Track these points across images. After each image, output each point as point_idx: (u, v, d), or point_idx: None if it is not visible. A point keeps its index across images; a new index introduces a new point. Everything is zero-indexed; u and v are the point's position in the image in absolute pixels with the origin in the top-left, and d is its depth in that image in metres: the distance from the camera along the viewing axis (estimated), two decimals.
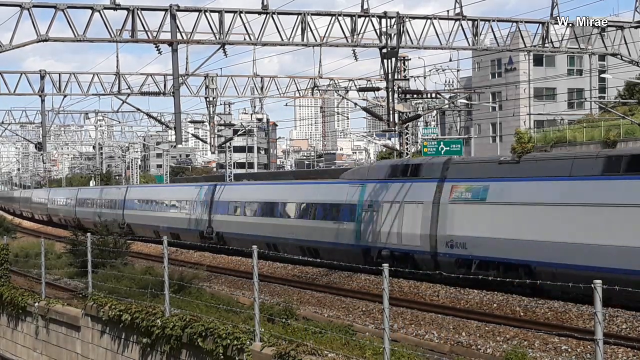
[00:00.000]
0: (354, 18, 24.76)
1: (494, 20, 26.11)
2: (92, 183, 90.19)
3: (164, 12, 24.07)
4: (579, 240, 20.63)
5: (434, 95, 45.36)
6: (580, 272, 19.42)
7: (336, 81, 41.18)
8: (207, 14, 24.27)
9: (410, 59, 39.23)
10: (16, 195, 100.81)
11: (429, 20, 25.36)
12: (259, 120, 76.77)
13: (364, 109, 37.12)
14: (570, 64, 73.93)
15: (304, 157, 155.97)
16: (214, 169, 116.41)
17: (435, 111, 62.05)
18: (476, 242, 23.60)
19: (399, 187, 27.25)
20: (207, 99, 40.49)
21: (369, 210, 28.33)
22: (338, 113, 68.28)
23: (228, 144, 53.68)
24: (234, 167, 58.98)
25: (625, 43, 26.62)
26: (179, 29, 24.22)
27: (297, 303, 21.34)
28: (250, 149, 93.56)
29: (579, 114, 68.83)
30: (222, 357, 13.97)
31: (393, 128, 26.89)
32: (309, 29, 24.58)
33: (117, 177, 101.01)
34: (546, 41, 26.15)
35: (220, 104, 52.14)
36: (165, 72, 38.13)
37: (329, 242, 30.30)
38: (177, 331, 15.30)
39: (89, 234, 21.83)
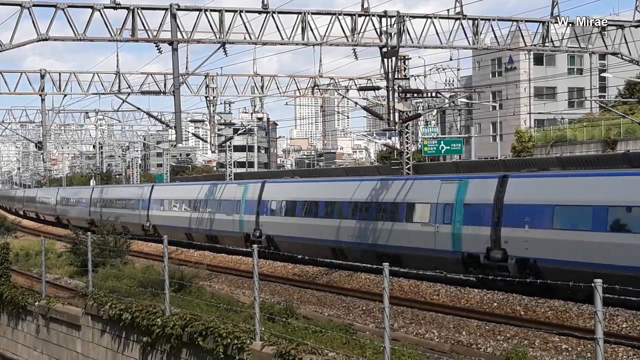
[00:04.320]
0: (354, 17, 24.76)
1: (494, 20, 26.11)
2: (92, 182, 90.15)
3: (164, 12, 24.08)
4: None
5: (434, 94, 45.26)
6: None
7: (336, 80, 41.14)
8: (207, 13, 24.27)
9: (410, 58, 39.10)
10: (19, 194, 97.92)
11: (429, 20, 25.36)
12: (259, 119, 76.79)
13: (364, 108, 37.07)
14: (570, 63, 73.89)
15: (304, 157, 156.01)
16: (214, 168, 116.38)
17: (435, 110, 62.08)
18: None
19: None
20: (208, 98, 40.49)
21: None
22: (338, 112, 68.27)
23: (228, 143, 53.65)
24: (234, 166, 58.89)
25: (626, 42, 26.60)
26: (179, 28, 24.22)
27: (297, 302, 21.36)
28: (251, 148, 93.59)
29: (579, 113, 68.84)
30: (222, 356, 13.97)
31: (393, 127, 26.86)
32: (309, 28, 24.59)
33: (117, 177, 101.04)
34: (546, 40, 26.14)
35: (221, 103, 52.02)
36: (166, 71, 38.17)
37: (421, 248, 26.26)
38: (178, 330, 15.30)
39: (89, 233, 21.84)
